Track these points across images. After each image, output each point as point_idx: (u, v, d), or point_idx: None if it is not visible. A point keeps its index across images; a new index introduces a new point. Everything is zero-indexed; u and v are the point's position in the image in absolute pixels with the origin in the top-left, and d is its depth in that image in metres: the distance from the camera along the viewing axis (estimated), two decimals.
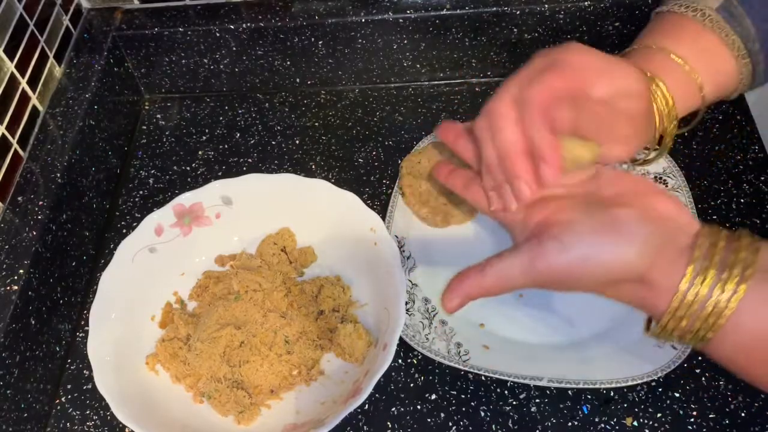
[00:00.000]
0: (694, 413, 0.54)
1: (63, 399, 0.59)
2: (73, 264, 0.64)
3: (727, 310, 0.36)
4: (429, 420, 0.56)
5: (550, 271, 0.40)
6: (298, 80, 0.80)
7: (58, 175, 0.63)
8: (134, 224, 0.62)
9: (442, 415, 0.56)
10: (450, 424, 0.55)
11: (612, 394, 0.55)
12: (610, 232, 0.38)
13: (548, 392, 0.56)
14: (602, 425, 0.54)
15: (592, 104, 0.43)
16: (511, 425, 0.55)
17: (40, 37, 0.67)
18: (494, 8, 0.72)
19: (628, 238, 0.38)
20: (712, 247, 0.37)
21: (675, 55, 0.50)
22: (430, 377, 0.58)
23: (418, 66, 0.78)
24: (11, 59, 0.61)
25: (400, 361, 0.59)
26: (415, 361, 0.59)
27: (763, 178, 0.67)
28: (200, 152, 0.76)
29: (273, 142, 0.76)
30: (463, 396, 0.56)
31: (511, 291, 0.42)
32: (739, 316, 0.36)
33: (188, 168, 0.74)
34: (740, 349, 0.37)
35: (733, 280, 0.36)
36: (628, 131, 0.45)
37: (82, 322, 0.64)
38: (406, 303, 0.59)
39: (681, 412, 0.54)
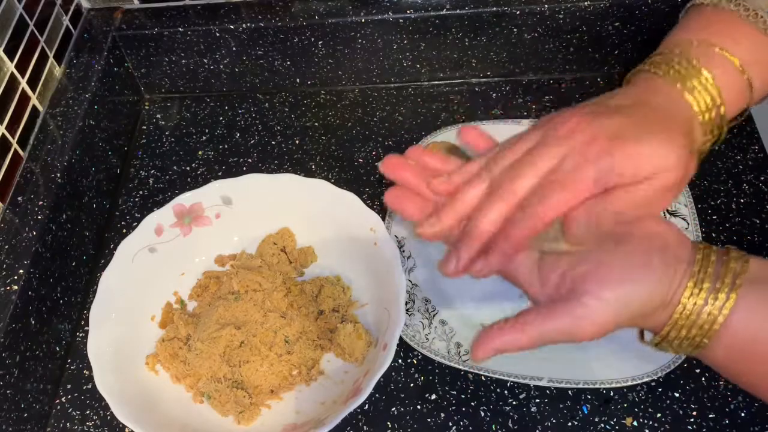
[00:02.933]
0: (694, 413, 0.54)
1: (63, 399, 0.59)
2: (73, 264, 0.64)
3: (720, 317, 0.38)
4: (429, 420, 0.56)
5: (598, 329, 0.40)
6: (298, 80, 0.80)
7: (58, 175, 0.63)
8: (134, 224, 0.62)
9: (442, 415, 0.56)
10: (450, 424, 0.55)
11: (612, 394, 0.55)
12: (643, 273, 0.39)
13: (548, 392, 0.56)
14: (602, 425, 0.54)
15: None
16: (511, 425, 0.55)
17: (40, 37, 0.67)
18: (494, 8, 0.72)
19: (659, 274, 0.39)
20: (706, 261, 0.39)
21: (727, 52, 0.47)
22: (430, 377, 0.58)
23: (418, 66, 0.78)
24: (11, 59, 0.61)
25: (400, 361, 0.59)
26: (415, 361, 0.59)
27: (763, 178, 0.67)
28: (200, 152, 0.76)
29: (273, 142, 0.76)
30: (463, 396, 0.56)
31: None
32: (730, 323, 0.38)
33: (188, 168, 0.74)
34: (732, 355, 0.39)
35: (724, 290, 0.38)
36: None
37: (82, 322, 0.64)
38: (406, 303, 0.59)
39: (681, 412, 0.54)
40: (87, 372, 0.60)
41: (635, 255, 0.39)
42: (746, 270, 0.38)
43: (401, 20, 0.73)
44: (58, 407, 0.59)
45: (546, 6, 0.71)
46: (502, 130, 0.69)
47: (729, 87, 0.46)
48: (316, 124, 0.77)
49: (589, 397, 0.56)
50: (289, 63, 0.78)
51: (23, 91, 0.63)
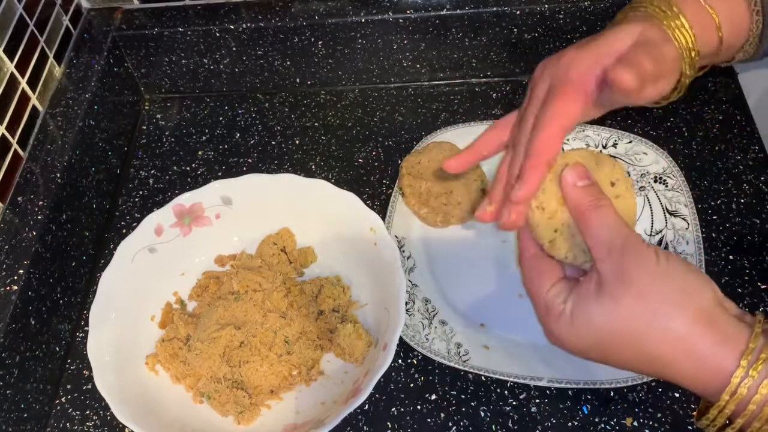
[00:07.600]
0: (695, 413, 0.54)
1: (63, 399, 0.59)
2: (73, 264, 0.64)
3: None
4: (429, 420, 0.56)
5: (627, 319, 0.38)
6: (298, 80, 0.80)
7: (58, 175, 0.63)
8: (134, 224, 0.62)
9: (442, 415, 0.56)
10: (450, 424, 0.55)
11: (612, 394, 0.55)
12: (683, 298, 0.38)
13: (548, 392, 0.56)
14: (602, 425, 0.54)
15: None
16: (511, 425, 0.55)
17: (40, 37, 0.67)
18: (494, 8, 0.72)
19: (693, 305, 0.38)
20: (757, 338, 0.35)
21: (709, 7, 0.48)
22: (430, 377, 0.58)
23: (418, 66, 0.78)
24: (11, 59, 0.61)
25: (400, 361, 0.59)
26: (415, 361, 0.59)
27: (763, 178, 0.67)
28: (200, 152, 0.76)
29: (273, 142, 0.76)
30: (463, 396, 0.56)
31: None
32: None
33: (188, 168, 0.74)
34: None
35: None
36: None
37: (82, 322, 0.64)
38: (406, 303, 0.59)
39: (681, 412, 0.54)
40: (87, 372, 0.60)
41: (681, 281, 0.39)
42: None
43: (401, 20, 0.73)
44: (58, 407, 0.59)
45: (546, 6, 0.71)
46: None
47: (698, 26, 0.48)
48: (316, 124, 0.77)
49: (589, 397, 0.56)
50: (289, 63, 0.78)
51: (23, 91, 0.63)
